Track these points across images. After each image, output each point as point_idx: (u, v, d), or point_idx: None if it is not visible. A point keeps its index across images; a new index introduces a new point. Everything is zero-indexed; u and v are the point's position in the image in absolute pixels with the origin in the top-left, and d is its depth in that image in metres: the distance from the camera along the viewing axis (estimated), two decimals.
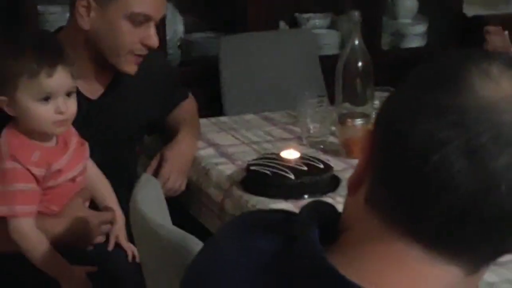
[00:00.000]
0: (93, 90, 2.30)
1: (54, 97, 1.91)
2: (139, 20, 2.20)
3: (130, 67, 2.26)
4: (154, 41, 2.24)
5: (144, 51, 2.26)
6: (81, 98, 2.22)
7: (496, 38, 2.65)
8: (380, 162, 0.92)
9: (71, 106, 1.95)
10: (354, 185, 0.96)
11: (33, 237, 1.95)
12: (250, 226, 1.07)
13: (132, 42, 2.22)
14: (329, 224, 0.98)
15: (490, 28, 2.81)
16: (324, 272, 0.90)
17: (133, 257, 2.07)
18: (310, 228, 0.96)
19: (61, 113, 1.92)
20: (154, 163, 2.39)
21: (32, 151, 1.94)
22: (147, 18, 2.21)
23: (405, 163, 0.88)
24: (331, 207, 1.03)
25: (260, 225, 1.06)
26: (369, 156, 0.94)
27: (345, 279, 0.89)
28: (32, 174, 1.93)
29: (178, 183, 2.38)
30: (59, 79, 1.90)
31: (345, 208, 0.98)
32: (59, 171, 1.98)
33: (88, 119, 2.22)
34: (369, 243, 0.92)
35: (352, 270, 0.90)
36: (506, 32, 2.65)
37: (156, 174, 2.33)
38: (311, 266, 0.92)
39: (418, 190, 0.87)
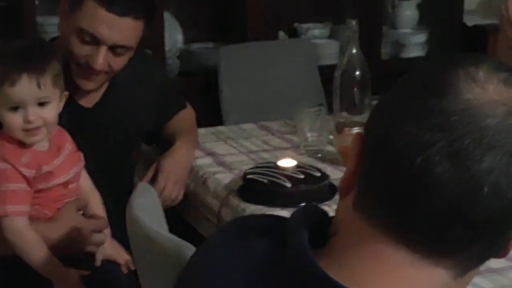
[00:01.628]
0: (88, 98, 2.29)
1: (22, 106, 1.91)
2: (86, 38, 2.16)
3: (81, 81, 2.23)
4: (96, 64, 2.17)
5: (92, 69, 2.20)
6: (76, 107, 2.24)
7: None
8: (367, 166, 0.93)
9: (44, 114, 1.94)
10: (344, 189, 0.98)
11: (27, 235, 1.96)
12: (242, 231, 1.08)
13: (79, 57, 2.18)
14: (320, 228, 0.99)
15: None
16: (313, 275, 0.91)
17: (127, 264, 2.08)
18: (299, 232, 0.96)
19: (28, 122, 1.92)
20: (150, 173, 2.38)
21: (22, 153, 1.96)
22: (94, 40, 2.16)
23: (391, 166, 0.89)
24: (323, 212, 1.04)
25: (253, 230, 1.06)
26: (358, 161, 0.95)
27: (334, 282, 0.90)
28: (23, 175, 1.94)
29: (174, 194, 2.37)
30: (23, 88, 1.90)
31: (336, 212, 0.99)
32: (50, 174, 1.99)
33: (84, 128, 2.23)
34: (357, 246, 0.93)
35: (340, 273, 0.91)
36: None
37: (152, 183, 2.30)
38: (300, 270, 0.93)
39: (403, 193, 0.88)
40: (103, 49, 2.16)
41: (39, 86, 1.91)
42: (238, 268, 1.01)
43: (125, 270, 2.09)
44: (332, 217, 1.01)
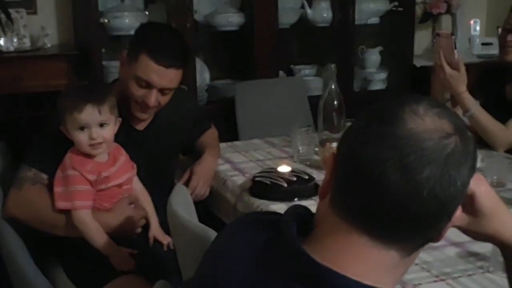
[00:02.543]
0: (140, 123, 2.28)
1: (88, 127, 1.92)
2: (142, 83, 2.12)
3: (138, 113, 2.21)
4: (150, 102, 2.15)
5: (147, 105, 2.17)
6: (131, 129, 2.23)
7: (444, 40, 2.54)
8: (339, 176, 0.94)
9: (104, 134, 1.95)
10: (322, 193, 0.98)
11: (90, 224, 1.97)
12: (251, 223, 1.08)
13: (136, 97, 2.16)
14: (306, 222, 0.98)
15: (441, 32, 2.68)
16: (298, 255, 0.92)
17: (168, 245, 2.07)
18: (290, 224, 0.97)
19: (92, 139, 1.93)
20: (185, 176, 2.37)
21: (87, 163, 1.96)
22: (148, 84, 2.12)
23: (356, 176, 0.90)
24: (307, 210, 1.04)
25: (258, 223, 1.06)
26: (332, 172, 0.95)
27: (313, 260, 0.90)
28: (87, 179, 1.95)
29: (203, 191, 2.36)
30: (87, 114, 1.91)
31: (317, 210, 0.99)
32: (108, 178, 1.99)
33: (137, 145, 2.22)
34: (333, 234, 0.93)
35: (321, 255, 0.91)
36: (453, 37, 2.53)
37: (186, 184, 2.31)
38: (289, 251, 0.93)
39: (365, 196, 0.89)
40: (154, 92, 2.14)
41: (99, 112, 1.92)
42: (246, 250, 1.00)
43: (165, 248, 2.08)
44: (313, 214, 1.01)
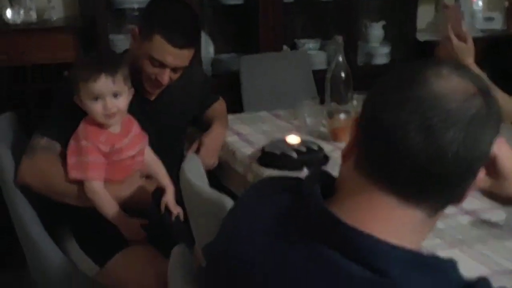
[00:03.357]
0: (151, 94, 2.27)
1: (102, 97, 1.92)
2: (155, 63, 2.12)
3: (150, 89, 2.21)
4: (163, 81, 2.16)
5: (159, 83, 2.17)
6: (143, 100, 2.23)
7: (451, 12, 2.52)
8: (363, 139, 0.94)
9: (118, 104, 1.95)
10: (345, 156, 0.98)
11: (101, 194, 1.97)
12: (269, 188, 1.08)
13: (149, 74, 2.15)
14: (327, 184, 0.99)
15: (449, 4, 2.65)
16: (324, 215, 0.92)
17: (178, 215, 2.06)
18: (314, 186, 0.97)
19: (107, 109, 1.93)
20: (194, 146, 2.37)
21: (100, 134, 1.96)
22: (162, 64, 2.12)
23: (380, 139, 0.90)
24: (327, 173, 1.04)
25: (277, 187, 1.06)
26: (356, 136, 0.96)
27: (339, 220, 0.90)
28: (100, 150, 1.95)
29: (212, 161, 2.36)
30: (101, 84, 1.91)
31: (340, 173, 0.99)
32: (121, 149, 1.99)
33: (148, 115, 2.22)
34: (357, 195, 0.93)
35: (345, 214, 0.91)
36: (462, 9, 2.50)
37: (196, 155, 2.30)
38: (314, 212, 0.93)
39: (389, 158, 0.89)
40: (168, 71, 2.14)
41: (113, 82, 1.92)
42: (267, 215, 1.00)
43: (173, 218, 2.06)
44: (334, 177, 1.01)
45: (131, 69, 2.04)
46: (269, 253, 0.95)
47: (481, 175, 0.93)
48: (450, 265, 0.90)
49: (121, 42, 3.57)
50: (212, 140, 2.39)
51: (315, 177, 1.01)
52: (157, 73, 2.14)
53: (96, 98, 1.92)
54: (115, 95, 1.94)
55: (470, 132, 0.87)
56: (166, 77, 2.15)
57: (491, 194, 1.09)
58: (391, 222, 0.91)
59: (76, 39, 3.42)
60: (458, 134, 0.86)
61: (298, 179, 1.07)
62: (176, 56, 2.11)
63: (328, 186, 0.99)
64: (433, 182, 0.89)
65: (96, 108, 1.93)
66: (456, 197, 0.94)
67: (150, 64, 2.13)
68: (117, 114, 1.96)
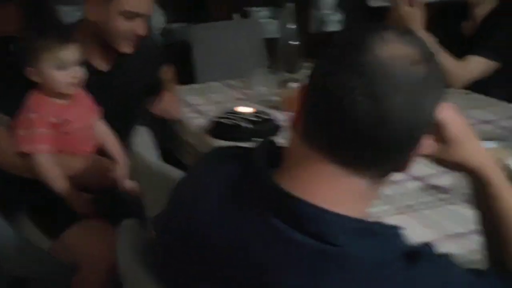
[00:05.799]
0: (104, 65, 2.25)
1: (67, 66, 1.93)
2: (130, 16, 2.13)
3: (126, 48, 2.20)
4: (142, 32, 2.17)
5: (135, 37, 2.19)
6: (95, 71, 2.20)
7: None
8: (309, 106, 0.93)
9: (80, 74, 1.97)
10: (293, 125, 0.97)
11: (49, 167, 1.96)
12: (218, 158, 1.07)
13: (125, 32, 2.15)
14: (276, 154, 0.99)
15: None
16: (268, 185, 0.93)
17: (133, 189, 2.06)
18: (260, 156, 0.97)
19: (74, 77, 1.94)
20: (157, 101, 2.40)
21: (49, 106, 1.95)
22: (137, 15, 2.13)
23: (326, 105, 0.90)
24: (275, 143, 1.04)
25: (227, 157, 1.06)
26: (302, 103, 0.95)
27: (282, 189, 0.91)
28: (49, 122, 1.94)
29: (176, 111, 2.41)
30: (70, 52, 1.93)
31: (288, 142, 0.99)
32: (69, 121, 1.98)
33: (103, 87, 2.20)
34: (303, 164, 0.93)
35: (291, 183, 0.92)
36: None
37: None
38: (259, 182, 0.94)
39: (334, 124, 0.89)
40: (143, 20, 2.16)
41: (78, 51, 1.95)
42: (216, 185, 1.00)
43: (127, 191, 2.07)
44: (281, 147, 1.01)
45: (87, 40, 2.04)
46: (221, 224, 0.95)
47: (427, 141, 0.94)
48: (395, 231, 0.91)
49: (67, 13, 3.50)
50: (172, 93, 2.42)
51: (263, 147, 1.01)
52: (132, 28, 2.15)
53: (61, 67, 1.92)
54: (79, 63, 1.95)
55: (413, 97, 0.88)
56: (144, 26, 2.16)
57: (439, 160, 1.10)
58: (337, 191, 0.92)
59: (21, 11, 3.33)
60: (403, 98, 0.87)
61: (246, 148, 1.07)
62: (146, 1, 2.15)
63: (276, 156, 0.99)
64: (377, 148, 0.89)
65: (60, 77, 1.93)
66: (399, 164, 0.94)
67: (124, 19, 2.13)
68: (77, 83, 1.97)
